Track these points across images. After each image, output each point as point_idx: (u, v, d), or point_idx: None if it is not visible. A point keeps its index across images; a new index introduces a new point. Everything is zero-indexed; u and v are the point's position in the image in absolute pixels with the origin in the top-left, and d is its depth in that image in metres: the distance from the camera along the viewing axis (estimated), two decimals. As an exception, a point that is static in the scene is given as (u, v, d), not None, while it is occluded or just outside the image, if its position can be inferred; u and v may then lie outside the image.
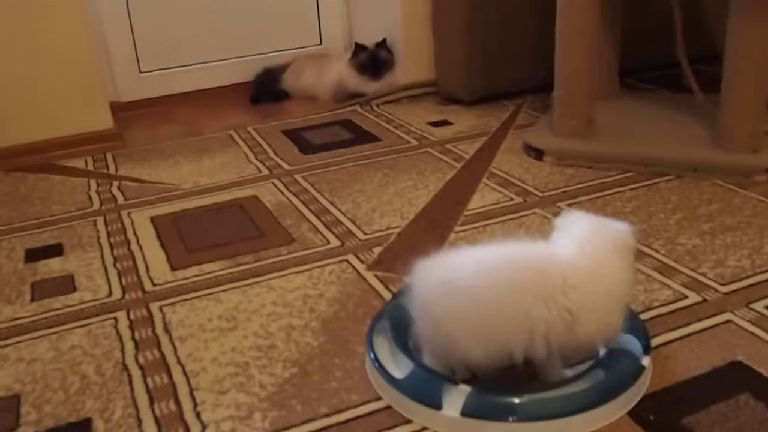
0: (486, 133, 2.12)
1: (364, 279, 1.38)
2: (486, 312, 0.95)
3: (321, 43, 2.81)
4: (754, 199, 1.60)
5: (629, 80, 2.41)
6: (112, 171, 2.03)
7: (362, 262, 1.44)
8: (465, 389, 0.98)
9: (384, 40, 2.51)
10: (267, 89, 2.62)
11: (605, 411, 0.98)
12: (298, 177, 1.89)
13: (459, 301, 0.96)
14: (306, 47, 2.78)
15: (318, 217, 1.65)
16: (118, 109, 2.48)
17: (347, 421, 1.02)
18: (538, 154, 1.90)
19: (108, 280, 1.44)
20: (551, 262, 0.98)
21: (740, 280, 1.30)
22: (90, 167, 2.07)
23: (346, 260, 1.45)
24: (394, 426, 1.00)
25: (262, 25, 2.72)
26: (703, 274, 1.32)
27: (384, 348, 1.09)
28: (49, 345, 1.24)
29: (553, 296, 0.95)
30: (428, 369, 1.03)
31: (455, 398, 0.97)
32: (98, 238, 1.63)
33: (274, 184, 1.85)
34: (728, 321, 1.19)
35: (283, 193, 1.79)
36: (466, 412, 0.96)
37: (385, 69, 2.50)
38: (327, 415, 1.03)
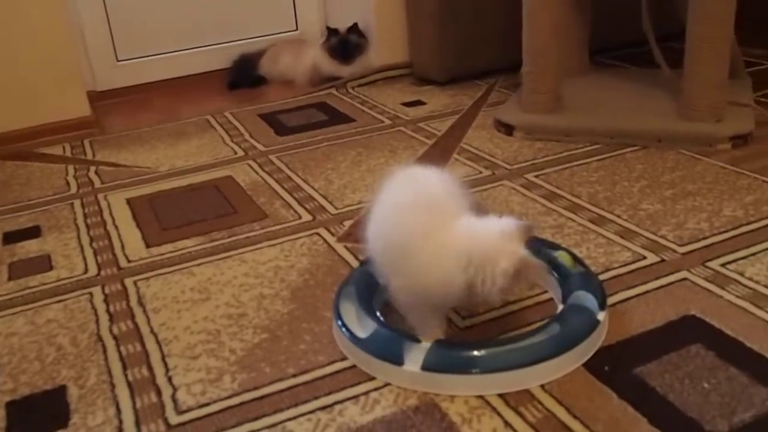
0: (458, 112, 2.16)
1: (334, 250, 1.41)
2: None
3: (297, 29, 2.84)
4: (717, 167, 1.64)
5: (599, 58, 2.44)
6: (89, 157, 2.05)
7: (333, 234, 1.47)
8: (425, 345, 1.02)
9: (355, 25, 2.54)
10: (244, 75, 2.64)
11: (561, 362, 1.02)
12: (272, 157, 1.92)
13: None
14: (282, 33, 2.81)
15: (291, 194, 1.68)
16: (95, 97, 2.51)
17: (314, 380, 1.05)
18: (508, 129, 1.93)
19: (84, 259, 1.47)
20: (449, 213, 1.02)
21: (698, 241, 1.34)
22: (68, 154, 2.09)
23: (317, 233, 1.49)
24: (358, 383, 1.03)
25: (238, 12, 2.75)
26: (663, 237, 1.36)
27: (350, 311, 1.12)
28: (25, 320, 1.27)
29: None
30: (390, 328, 1.06)
31: (416, 354, 1.01)
32: (75, 219, 1.65)
33: (249, 165, 1.88)
34: (684, 279, 1.23)
35: (257, 173, 1.82)
36: (426, 367, 1.00)
37: (356, 53, 2.54)
38: (294, 375, 1.06)
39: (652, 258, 1.30)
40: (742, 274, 1.22)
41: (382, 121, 2.13)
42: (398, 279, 1.03)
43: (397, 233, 1.02)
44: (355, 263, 1.35)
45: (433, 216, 1.01)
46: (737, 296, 1.17)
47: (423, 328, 1.05)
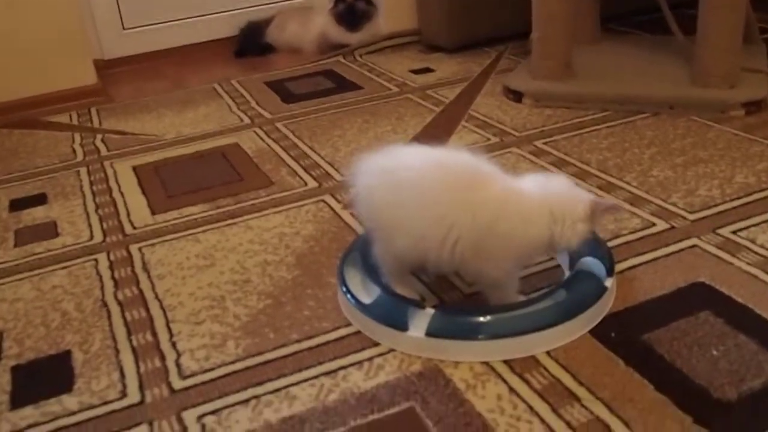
0: (467, 79, 2.13)
1: (340, 217, 1.40)
2: (411, 202, 0.98)
3: (305, -4, 2.80)
4: (729, 133, 1.62)
5: (610, 25, 2.40)
6: (96, 125, 2.05)
7: (339, 201, 1.46)
8: (430, 311, 1.01)
9: (362, -9, 2.51)
10: (251, 43, 2.62)
11: (568, 329, 1.01)
12: (279, 125, 1.90)
13: (389, 188, 1.00)
14: (289, 0, 2.77)
15: (297, 162, 1.67)
16: (102, 66, 2.49)
17: (318, 345, 1.04)
18: (517, 96, 1.91)
19: (90, 225, 1.46)
20: (492, 179, 1.01)
21: (709, 208, 1.32)
22: (74, 122, 2.09)
23: (323, 200, 1.47)
24: (362, 349, 1.03)
25: (245, -21, 2.71)
26: (673, 204, 1.34)
27: (354, 277, 1.11)
28: (31, 286, 1.27)
29: (478, 208, 0.97)
30: (395, 294, 1.05)
31: (420, 320, 1.00)
32: (81, 187, 1.65)
33: (256, 132, 1.87)
34: (694, 246, 1.21)
35: (263, 140, 1.81)
36: (430, 332, 0.99)
37: (363, 19, 2.50)
38: (298, 341, 1.06)
39: (661, 225, 1.28)
40: (753, 241, 1.20)
41: (390, 89, 2.11)
42: (483, 255, 1.00)
43: (467, 210, 0.98)
44: (359, 229, 1.34)
45: (489, 184, 1.00)
46: (748, 263, 1.15)
47: (509, 291, 1.06)
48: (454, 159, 1.02)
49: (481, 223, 0.97)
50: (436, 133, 1.76)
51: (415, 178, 1.00)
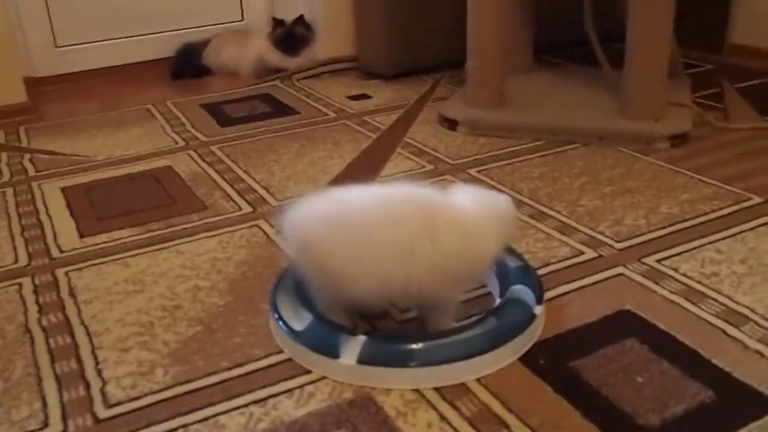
0: (403, 106, 2.15)
1: (274, 242, 1.39)
2: (371, 244, 0.96)
3: (243, 19, 2.80)
4: (655, 165, 1.67)
5: (543, 57, 2.46)
6: (24, 144, 1.99)
7: (273, 227, 1.45)
8: (361, 338, 1.01)
9: (301, 16, 2.52)
10: (188, 64, 2.60)
11: (498, 356, 1.02)
12: (214, 148, 1.89)
13: (342, 235, 0.97)
14: (228, 23, 2.76)
15: (232, 186, 1.65)
16: (33, 84, 2.43)
17: (248, 373, 1.03)
18: (451, 124, 1.94)
19: (14, 248, 1.42)
20: (437, 202, 1.02)
21: (635, 237, 1.36)
22: (1, 141, 2.03)
23: (257, 225, 1.46)
24: (294, 376, 1.02)
25: (183, 0, 2.69)
26: (601, 233, 1.38)
27: (286, 303, 1.10)
28: (-51, 311, 1.22)
29: (441, 235, 0.98)
30: (327, 321, 1.05)
31: (352, 347, 1.00)
32: (6, 208, 1.60)
33: (190, 155, 1.85)
34: (620, 274, 1.24)
35: (197, 164, 1.79)
36: (362, 360, 0.99)
37: (301, 45, 2.51)
38: (228, 369, 1.04)
39: (590, 253, 1.31)
40: (676, 270, 1.24)
41: (327, 114, 2.11)
42: (447, 280, 1.01)
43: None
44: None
45: (442, 210, 1.02)
46: (671, 291, 1.18)
47: (451, 314, 1.07)
48: (400, 192, 1.03)
49: (447, 250, 0.98)
50: (370, 160, 1.76)
51: (368, 219, 0.98)
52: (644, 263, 1.27)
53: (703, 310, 1.13)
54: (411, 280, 0.98)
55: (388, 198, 1.02)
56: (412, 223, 0.98)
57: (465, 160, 1.74)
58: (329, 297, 1.04)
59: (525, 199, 1.52)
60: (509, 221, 1.07)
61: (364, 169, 1.72)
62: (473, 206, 1.03)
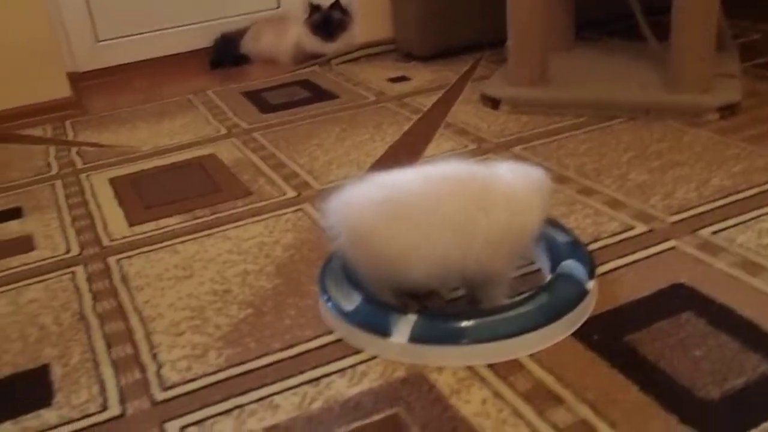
0: (444, 87, 2.13)
1: (319, 226, 1.39)
2: (426, 224, 0.96)
3: (279, 6, 2.80)
4: (704, 137, 1.63)
5: (585, 33, 2.42)
6: (71, 137, 2.02)
7: (317, 210, 1.45)
8: (412, 317, 1.00)
9: (338, 1, 2.51)
10: (226, 53, 2.61)
11: (550, 332, 1.01)
12: (256, 135, 1.89)
13: (396, 218, 0.96)
14: (263, 11, 2.77)
15: (275, 171, 1.66)
16: (77, 78, 2.47)
17: (300, 354, 1.03)
18: (494, 103, 1.92)
19: (66, 239, 1.45)
20: (484, 176, 1.01)
21: (687, 210, 1.33)
22: (49, 135, 2.06)
23: (302, 209, 1.47)
24: (345, 356, 1.02)
25: (219, -10, 2.71)
26: (652, 207, 1.35)
27: (335, 284, 1.10)
28: (7, 300, 1.24)
29: (492, 209, 0.97)
30: (376, 300, 1.05)
31: (403, 326, 0.99)
32: (56, 200, 1.63)
33: (233, 143, 1.86)
34: (673, 248, 1.22)
35: (241, 151, 1.80)
36: (414, 338, 0.98)
37: (338, 29, 2.50)
38: (280, 350, 1.05)
39: (641, 227, 1.28)
40: (732, 242, 1.21)
41: (367, 97, 2.11)
42: (500, 254, 1.01)
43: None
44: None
45: (489, 183, 1.01)
46: (727, 264, 1.16)
47: (505, 290, 1.06)
48: (447, 169, 1.02)
49: (499, 223, 0.97)
50: (412, 141, 1.76)
51: (420, 198, 0.97)
52: (698, 236, 1.24)
53: (761, 281, 1.10)
54: (468, 256, 0.97)
55: (437, 175, 1.01)
56: (464, 199, 0.97)
57: (508, 138, 1.72)
58: (382, 281, 1.04)
59: (571, 175, 1.50)
60: (548, 193, 1.06)
61: (406, 150, 1.71)
62: (515, 179, 1.02)
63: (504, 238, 0.99)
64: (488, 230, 0.97)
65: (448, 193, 0.98)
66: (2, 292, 1.27)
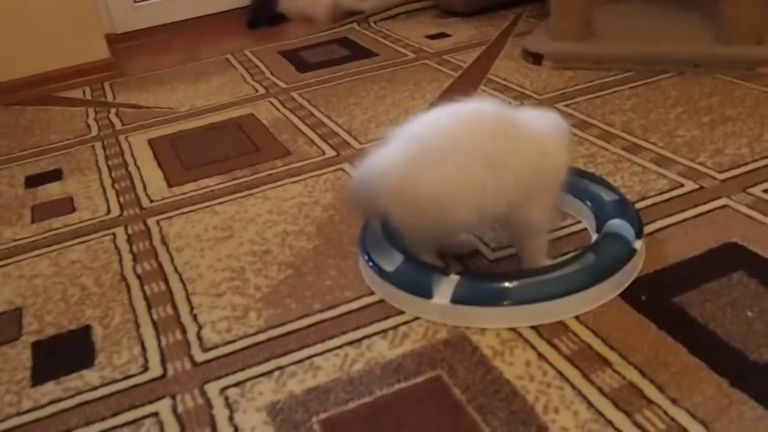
0: (484, 43, 2.09)
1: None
2: (463, 155, 0.94)
3: (316, -36, 2.75)
4: (757, 90, 1.57)
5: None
6: (109, 99, 2.03)
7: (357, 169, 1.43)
8: (454, 278, 0.98)
9: (377, -43, 2.46)
10: (264, 12, 2.58)
11: (597, 292, 0.98)
12: (294, 94, 1.87)
13: (437, 160, 0.94)
14: (301, -31, 2.72)
15: (314, 131, 1.64)
16: (114, 40, 2.47)
17: (341, 315, 1.02)
18: (536, 58, 1.86)
19: (106, 200, 1.45)
20: (512, 117, 0.99)
21: (738, 167, 1.28)
22: (88, 97, 2.07)
23: (342, 169, 1.45)
24: (386, 317, 1.01)
25: (255, -52, 2.67)
26: (701, 164, 1.30)
27: (376, 244, 1.09)
28: (49, 262, 1.25)
29: (524, 150, 0.95)
30: (418, 261, 1.03)
31: (445, 287, 0.98)
32: (96, 161, 1.63)
33: (271, 102, 1.84)
34: (725, 206, 1.17)
35: (279, 110, 1.78)
36: (456, 299, 0.96)
37: (377, -15, 2.46)
38: (321, 311, 1.04)
39: (690, 185, 1.24)
40: (785, 200, 1.17)
41: (406, 55, 2.07)
42: (533, 195, 0.99)
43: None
44: (380, 198, 1.31)
45: (520, 125, 0.99)
46: (781, 222, 1.11)
47: (544, 245, 1.04)
48: (476, 109, 0.99)
49: (529, 164, 0.95)
50: (454, 97, 1.72)
51: (450, 135, 0.95)
52: (750, 194, 1.20)
53: (817, 240, 1.06)
54: (500, 195, 0.95)
55: (465, 114, 0.98)
56: (493, 136, 0.95)
57: (552, 94, 1.68)
58: (426, 234, 1.02)
59: (617, 132, 1.45)
60: (569, 136, 1.04)
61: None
62: (539, 122, 1.00)
63: (533, 180, 0.96)
64: (517, 169, 0.94)
65: (477, 130, 0.95)
66: (45, 253, 1.28)
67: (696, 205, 1.18)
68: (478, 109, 0.99)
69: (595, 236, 1.08)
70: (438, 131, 0.97)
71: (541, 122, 1.00)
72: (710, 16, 1.80)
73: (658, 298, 0.98)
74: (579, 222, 1.17)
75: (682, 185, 1.24)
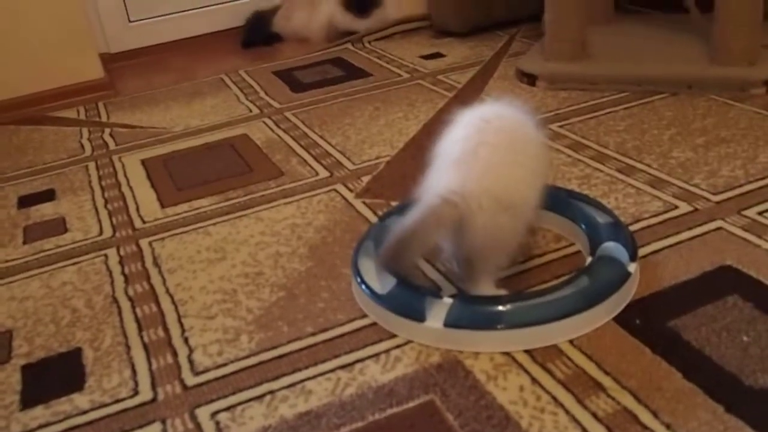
0: (479, 63, 2.09)
1: (353, 206, 1.37)
2: (527, 162, 1.00)
3: (311, -16, 2.76)
4: (750, 112, 1.57)
5: (624, 5, 2.35)
6: (103, 119, 2.02)
7: (351, 190, 1.43)
8: (447, 301, 0.98)
9: (370, -23, 2.47)
10: (258, 33, 2.58)
11: (591, 316, 0.97)
12: (288, 114, 1.87)
13: (511, 165, 0.98)
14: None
15: (307, 151, 1.64)
16: (109, 59, 2.46)
17: (333, 338, 1.02)
18: (530, 79, 1.87)
19: (99, 221, 1.44)
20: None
21: (733, 188, 1.28)
22: (82, 116, 2.06)
23: (335, 190, 1.44)
24: (379, 341, 1.00)
25: (250, -32, 2.68)
26: (696, 185, 1.30)
27: (369, 267, 1.08)
28: (40, 283, 1.24)
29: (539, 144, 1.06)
30: (411, 284, 1.02)
31: (438, 310, 0.97)
32: (89, 182, 1.62)
33: (265, 123, 1.84)
34: (719, 228, 1.17)
35: (273, 131, 1.78)
36: (449, 323, 0.96)
37: (371, 5, 2.46)
38: (313, 334, 1.03)
39: (684, 207, 1.24)
40: (780, 222, 1.17)
41: (400, 75, 2.07)
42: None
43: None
44: (373, 219, 1.31)
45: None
46: (775, 245, 1.11)
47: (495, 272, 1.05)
48: (499, 113, 1.06)
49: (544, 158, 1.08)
50: (448, 119, 1.72)
51: (500, 146, 0.99)
52: (745, 216, 1.19)
53: (812, 263, 1.06)
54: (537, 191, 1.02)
55: (495, 122, 1.03)
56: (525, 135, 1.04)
57: (546, 115, 1.68)
58: (510, 245, 1.01)
59: (612, 153, 1.45)
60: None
61: (441, 128, 1.67)
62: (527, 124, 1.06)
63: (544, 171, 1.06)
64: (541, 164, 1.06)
65: (513, 132, 1.03)
66: (36, 274, 1.27)
67: (690, 227, 1.18)
68: (497, 113, 1.05)
69: (589, 259, 1.07)
70: (479, 142, 0.99)
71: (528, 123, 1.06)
72: (704, 37, 1.81)
73: (652, 322, 0.98)
74: (573, 244, 1.16)
75: (676, 207, 1.24)
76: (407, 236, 0.93)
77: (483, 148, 0.98)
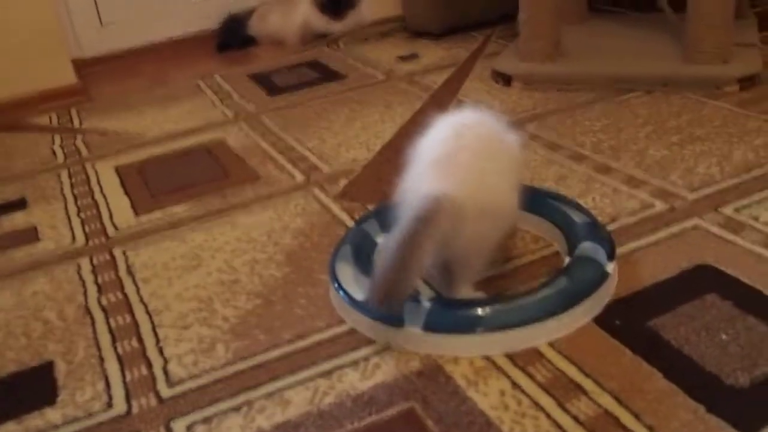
0: (454, 64, 2.08)
1: (329, 210, 1.36)
2: (509, 164, 1.02)
3: (285, -14, 2.74)
4: (725, 109, 1.58)
5: (597, 5, 2.36)
6: (76, 125, 1.99)
7: (327, 194, 1.42)
8: (426, 305, 0.97)
9: (345, -22, 2.46)
10: (233, 36, 2.56)
11: (570, 317, 0.97)
12: (264, 118, 1.85)
13: (492, 172, 0.97)
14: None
15: (283, 155, 1.62)
16: (82, 65, 2.43)
17: (311, 346, 1.00)
18: (505, 79, 1.86)
19: (71, 229, 1.42)
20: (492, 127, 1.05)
21: (709, 186, 1.28)
22: (54, 123, 2.03)
23: (311, 193, 1.43)
24: (358, 347, 0.99)
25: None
26: (672, 183, 1.30)
27: (346, 272, 1.07)
28: (11, 293, 1.22)
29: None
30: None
31: (417, 314, 0.96)
32: (62, 190, 1.60)
33: (240, 127, 1.82)
34: (696, 226, 1.17)
35: (248, 135, 1.76)
36: (428, 327, 0.95)
37: (347, 7, 2.45)
38: (290, 342, 1.01)
39: (661, 205, 1.24)
40: (756, 219, 1.17)
41: (376, 77, 2.06)
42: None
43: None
44: (350, 222, 1.30)
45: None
46: (752, 242, 1.11)
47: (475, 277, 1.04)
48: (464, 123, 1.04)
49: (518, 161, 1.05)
50: (424, 121, 1.71)
51: (479, 150, 0.99)
52: (721, 213, 1.20)
53: (789, 260, 1.06)
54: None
55: (464, 132, 1.01)
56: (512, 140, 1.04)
57: (521, 115, 1.68)
58: (491, 249, 1.01)
59: (588, 153, 1.45)
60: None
61: (417, 130, 1.66)
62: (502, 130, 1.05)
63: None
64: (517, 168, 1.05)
65: (507, 138, 1.03)
66: (7, 284, 1.25)
67: (667, 226, 1.18)
68: (475, 118, 1.05)
69: (567, 259, 1.07)
70: (459, 146, 0.98)
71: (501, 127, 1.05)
72: (677, 36, 1.82)
73: (632, 322, 0.98)
74: (551, 245, 1.16)
75: (653, 206, 1.24)
76: (408, 248, 0.88)
77: (463, 153, 0.96)
